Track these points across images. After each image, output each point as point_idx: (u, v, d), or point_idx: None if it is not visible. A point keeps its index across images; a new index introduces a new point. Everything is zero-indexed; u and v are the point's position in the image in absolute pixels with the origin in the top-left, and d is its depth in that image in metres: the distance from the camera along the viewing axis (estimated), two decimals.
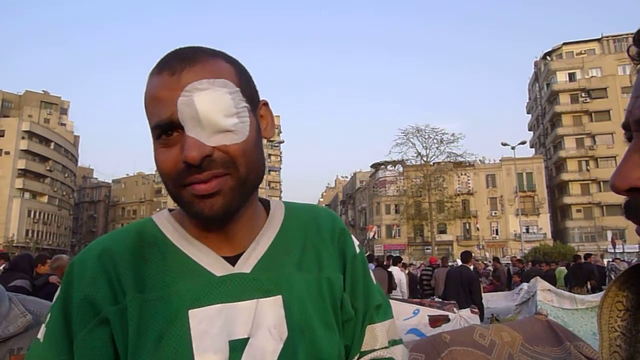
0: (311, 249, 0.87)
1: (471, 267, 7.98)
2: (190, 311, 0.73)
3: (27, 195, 59.36)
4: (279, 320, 0.77)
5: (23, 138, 58.27)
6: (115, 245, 0.79)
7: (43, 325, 0.78)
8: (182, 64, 0.72)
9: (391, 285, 9.22)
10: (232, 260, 0.79)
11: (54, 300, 0.79)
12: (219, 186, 0.71)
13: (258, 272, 0.79)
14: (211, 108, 0.70)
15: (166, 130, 0.72)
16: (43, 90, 70.69)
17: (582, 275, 11.62)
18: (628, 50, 0.60)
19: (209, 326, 0.73)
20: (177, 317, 0.73)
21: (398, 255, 12.11)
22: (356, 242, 0.94)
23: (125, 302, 0.74)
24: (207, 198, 0.71)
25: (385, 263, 11.11)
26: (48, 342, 0.76)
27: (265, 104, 0.84)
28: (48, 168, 62.28)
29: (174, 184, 0.73)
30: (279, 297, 0.79)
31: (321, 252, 0.87)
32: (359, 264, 0.92)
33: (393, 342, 0.92)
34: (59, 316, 0.76)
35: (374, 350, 0.89)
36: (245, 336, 0.75)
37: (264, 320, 0.76)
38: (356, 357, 0.89)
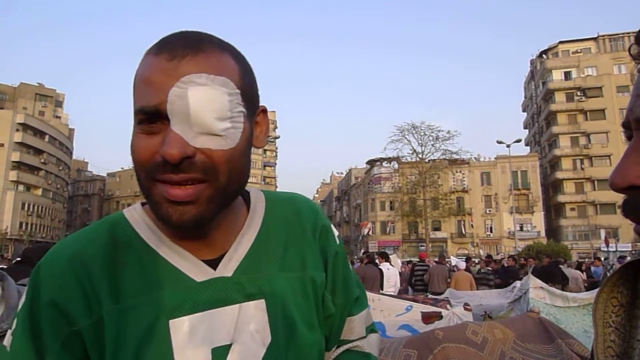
0: (294, 246, 0.84)
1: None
2: (170, 322, 0.70)
3: (21, 187, 58.98)
4: (262, 325, 0.75)
5: (17, 130, 57.79)
6: (86, 248, 0.72)
7: (9, 333, 0.71)
8: (184, 50, 0.65)
9: (382, 282, 9.26)
10: (213, 264, 0.75)
11: (19, 307, 0.72)
12: (195, 195, 0.65)
13: (240, 275, 0.76)
14: (204, 106, 0.64)
15: (150, 117, 0.65)
16: (38, 83, 70.23)
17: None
18: (629, 49, 0.59)
19: (190, 336, 0.70)
20: (156, 327, 0.69)
21: (384, 251, 12.17)
22: (336, 233, 0.92)
23: (102, 312, 0.69)
24: (179, 205, 0.65)
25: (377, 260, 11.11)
26: (15, 351, 0.69)
27: (264, 110, 0.78)
28: (42, 161, 61.86)
29: (146, 176, 0.67)
30: (262, 300, 0.76)
31: (304, 250, 0.84)
32: (339, 260, 0.90)
33: (371, 330, 0.94)
34: (25, 325, 0.70)
35: (351, 340, 0.91)
36: (228, 342, 0.72)
37: (247, 325, 0.74)
38: (334, 348, 0.89)
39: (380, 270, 9.47)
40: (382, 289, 8.42)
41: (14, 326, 0.71)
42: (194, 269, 0.74)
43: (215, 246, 0.77)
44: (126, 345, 0.68)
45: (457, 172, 52.01)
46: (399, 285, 10.37)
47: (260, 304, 0.76)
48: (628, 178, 0.54)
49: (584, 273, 13.36)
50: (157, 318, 0.69)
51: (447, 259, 17.77)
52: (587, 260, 16.73)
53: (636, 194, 0.54)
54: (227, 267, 0.76)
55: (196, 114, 0.63)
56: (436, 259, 12.66)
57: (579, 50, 56.94)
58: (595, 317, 0.64)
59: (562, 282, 10.09)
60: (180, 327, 0.70)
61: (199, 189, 0.66)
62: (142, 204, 0.80)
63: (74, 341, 0.68)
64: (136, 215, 0.77)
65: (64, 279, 0.69)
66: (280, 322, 0.77)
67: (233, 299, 0.74)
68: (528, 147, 66.98)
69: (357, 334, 0.91)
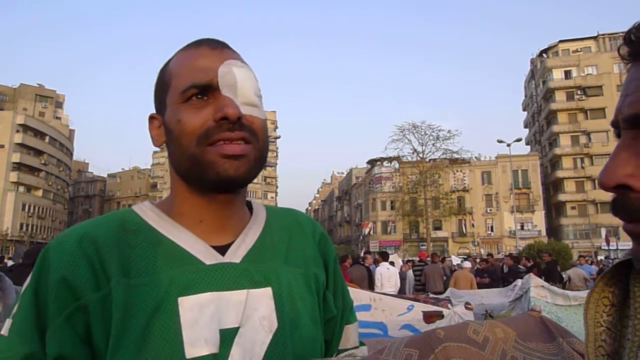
0: (296, 246, 0.88)
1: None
2: (179, 299, 0.72)
3: (21, 188, 59.00)
4: (269, 311, 0.78)
5: (18, 131, 57.85)
6: (96, 230, 0.76)
7: (8, 319, 0.72)
8: (221, 44, 0.81)
9: (371, 281, 9.19)
10: (221, 250, 0.79)
11: (22, 289, 0.74)
12: (246, 151, 0.75)
13: (248, 263, 0.79)
14: (246, 82, 0.78)
15: (201, 92, 0.76)
16: (38, 84, 70.33)
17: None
18: (619, 49, 0.60)
19: (199, 315, 0.72)
20: (165, 304, 0.71)
21: (385, 251, 12.11)
22: None
23: (110, 287, 0.71)
24: (235, 159, 0.74)
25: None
26: (15, 332, 0.70)
27: None
28: (43, 162, 61.87)
29: (199, 142, 0.75)
30: (269, 288, 0.79)
31: (306, 250, 0.89)
32: (338, 267, 0.96)
33: (361, 343, 0.98)
34: (30, 305, 0.71)
35: (347, 349, 0.93)
36: (236, 325, 0.74)
37: (255, 311, 0.76)
38: (334, 355, 0.92)
39: (368, 270, 9.39)
40: (371, 289, 8.34)
41: (15, 310, 0.72)
42: (204, 252, 0.77)
43: (224, 234, 0.81)
44: (134, 321, 0.69)
45: (457, 171, 51.94)
46: (399, 284, 10.36)
47: (267, 291, 0.79)
48: (616, 177, 0.54)
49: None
50: (166, 295, 0.72)
51: (448, 258, 17.74)
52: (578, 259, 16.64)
53: (625, 192, 0.54)
54: (236, 254, 0.80)
55: (241, 87, 0.77)
56: (429, 258, 12.63)
57: (579, 49, 56.93)
58: (586, 316, 0.64)
59: (561, 281, 10.12)
60: (189, 305, 0.72)
61: (248, 147, 0.76)
62: (150, 203, 0.86)
63: (79, 316, 0.69)
64: (145, 207, 0.83)
65: (73, 256, 0.72)
66: (286, 311, 0.79)
67: (241, 284, 0.77)
68: (528, 146, 67.00)
69: (352, 342, 0.94)
